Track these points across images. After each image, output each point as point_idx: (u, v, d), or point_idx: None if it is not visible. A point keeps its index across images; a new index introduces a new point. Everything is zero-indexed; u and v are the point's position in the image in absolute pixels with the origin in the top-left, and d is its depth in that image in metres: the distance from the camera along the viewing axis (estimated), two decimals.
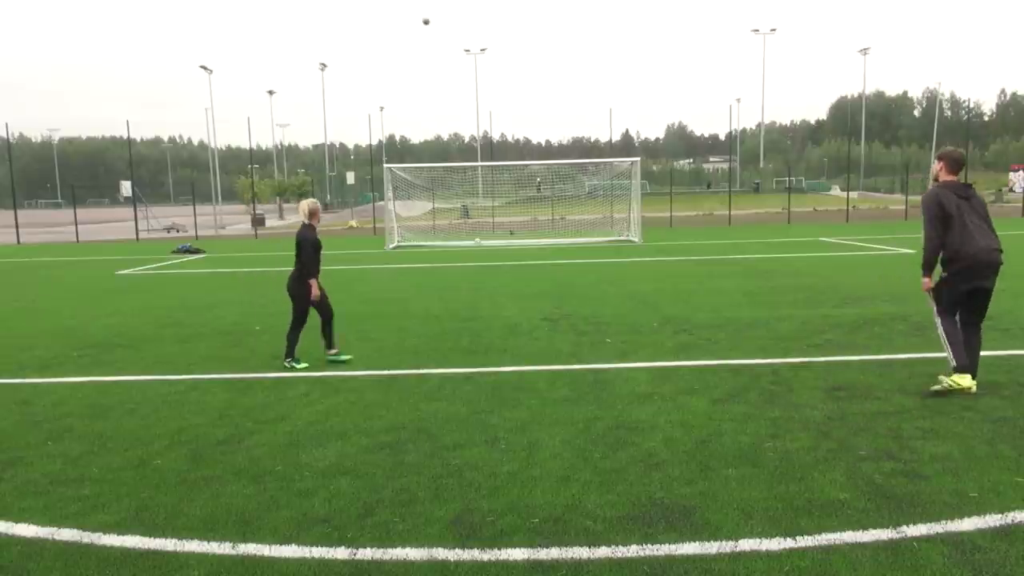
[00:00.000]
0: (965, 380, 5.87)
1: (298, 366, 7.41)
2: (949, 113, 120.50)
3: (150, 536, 3.82)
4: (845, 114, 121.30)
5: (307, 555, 3.57)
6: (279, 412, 5.97)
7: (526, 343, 8.47)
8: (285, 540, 3.73)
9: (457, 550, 3.58)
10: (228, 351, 8.46)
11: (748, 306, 10.69)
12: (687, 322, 9.49)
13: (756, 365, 7.09)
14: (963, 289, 5.91)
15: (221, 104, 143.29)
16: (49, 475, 4.71)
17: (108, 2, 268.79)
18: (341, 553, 3.59)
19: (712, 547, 3.53)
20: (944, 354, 6.04)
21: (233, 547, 3.68)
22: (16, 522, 4.04)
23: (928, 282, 6.11)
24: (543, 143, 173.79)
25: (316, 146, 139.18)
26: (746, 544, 3.55)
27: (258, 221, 43.04)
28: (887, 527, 3.68)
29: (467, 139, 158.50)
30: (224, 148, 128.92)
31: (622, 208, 31.72)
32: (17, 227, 36.41)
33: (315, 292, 7.39)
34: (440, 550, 3.59)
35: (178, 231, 42.72)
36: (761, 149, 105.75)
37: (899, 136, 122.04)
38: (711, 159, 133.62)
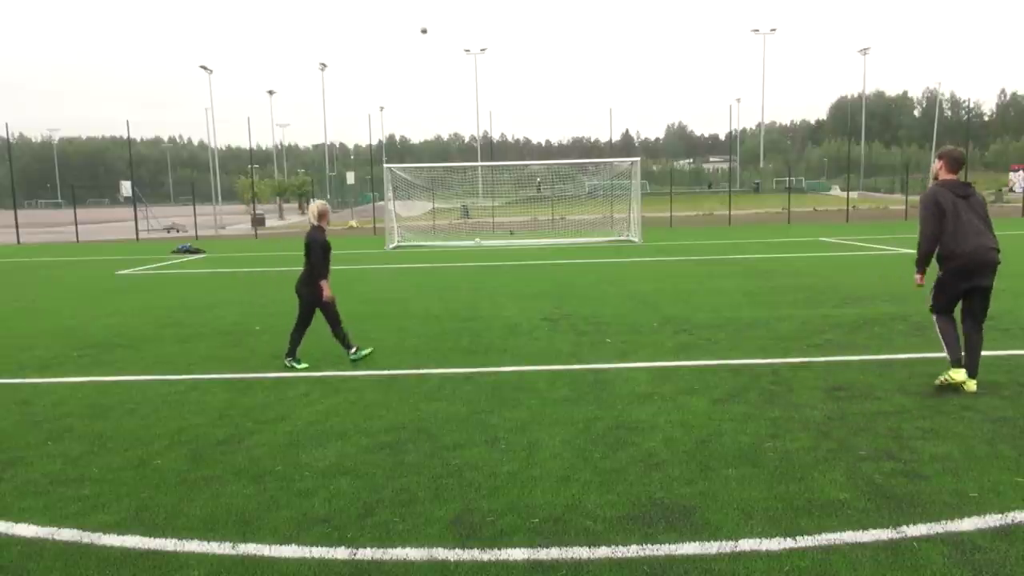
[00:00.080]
0: (959, 374, 5.95)
1: (298, 366, 7.42)
2: (949, 113, 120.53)
3: (150, 536, 3.82)
4: (845, 114, 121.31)
5: (307, 555, 3.57)
6: (279, 412, 5.97)
7: (526, 343, 8.47)
8: (285, 540, 3.73)
9: (457, 550, 3.58)
10: (228, 351, 8.46)
11: (748, 306, 10.69)
12: (687, 322, 9.49)
13: (756, 365, 7.09)
14: (960, 287, 5.97)
15: (221, 104, 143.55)
16: (49, 475, 4.71)
17: (108, 2, 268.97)
18: (341, 553, 3.59)
19: (712, 547, 3.53)
20: (944, 354, 6.09)
21: (233, 547, 3.68)
22: (16, 522, 4.04)
23: (920, 278, 6.23)
24: (543, 143, 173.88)
25: (316, 146, 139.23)
26: (746, 544, 3.55)
27: (258, 221, 43.05)
28: (887, 527, 3.68)
29: (467, 139, 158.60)
30: (224, 148, 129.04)
31: (622, 208, 31.72)
32: (17, 227, 36.42)
33: (327, 293, 7.37)
34: (440, 550, 3.59)
35: (178, 231, 42.73)
36: (761, 149, 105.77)
37: (899, 136, 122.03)
38: (711, 159, 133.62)
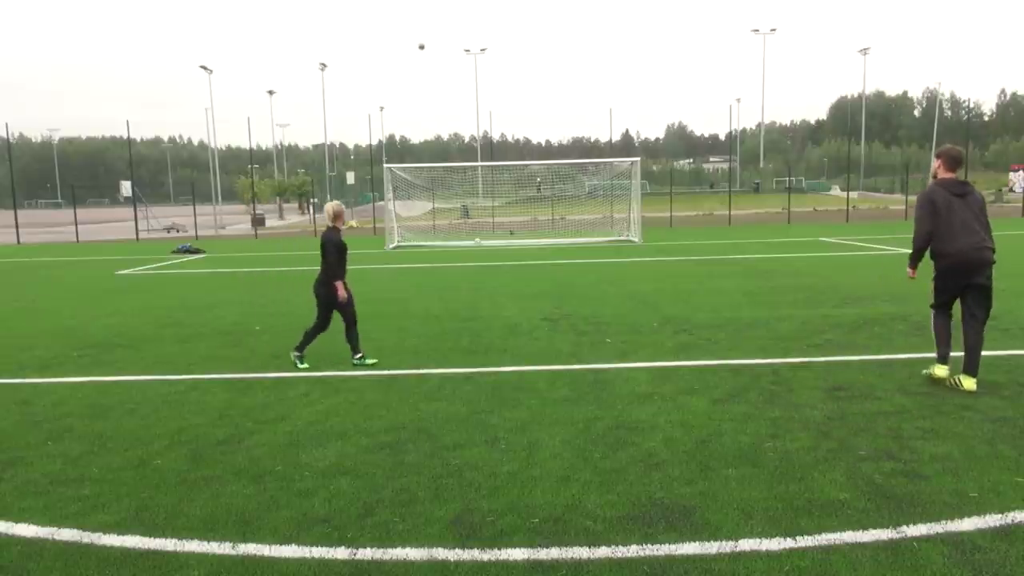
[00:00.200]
0: (941, 371, 6.21)
1: (300, 365, 7.41)
2: (949, 113, 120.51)
3: (150, 536, 3.82)
4: (845, 114, 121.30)
5: (307, 555, 3.57)
6: (279, 412, 5.97)
7: (526, 343, 8.47)
8: (285, 540, 3.73)
9: (457, 550, 3.58)
10: (228, 351, 8.46)
11: (748, 306, 10.68)
12: (687, 322, 9.49)
13: (756, 365, 7.09)
14: (953, 286, 6.05)
15: (221, 104, 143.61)
16: (49, 475, 4.71)
17: (108, 2, 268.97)
18: (341, 553, 3.59)
19: (712, 547, 3.53)
20: (955, 354, 6.16)
21: (233, 547, 3.68)
22: (16, 522, 4.04)
23: (912, 272, 6.43)
24: (543, 143, 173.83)
25: (316, 146, 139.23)
26: (746, 544, 3.55)
27: (258, 221, 43.05)
28: (887, 527, 3.68)
29: (467, 139, 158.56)
30: (224, 148, 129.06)
31: (622, 208, 31.72)
32: (17, 227, 36.42)
33: (342, 293, 7.36)
34: (440, 550, 3.59)
35: (178, 231, 42.73)
36: (761, 149, 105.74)
37: (899, 136, 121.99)
38: (711, 159, 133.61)
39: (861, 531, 3.65)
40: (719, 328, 9.01)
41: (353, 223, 46.95)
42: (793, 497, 4.07)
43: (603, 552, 3.52)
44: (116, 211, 73.06)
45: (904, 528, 3.67)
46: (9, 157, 45.47)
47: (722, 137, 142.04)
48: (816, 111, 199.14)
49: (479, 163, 49.87)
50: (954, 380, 6.04)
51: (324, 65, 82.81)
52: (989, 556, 3.39)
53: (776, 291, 12.15)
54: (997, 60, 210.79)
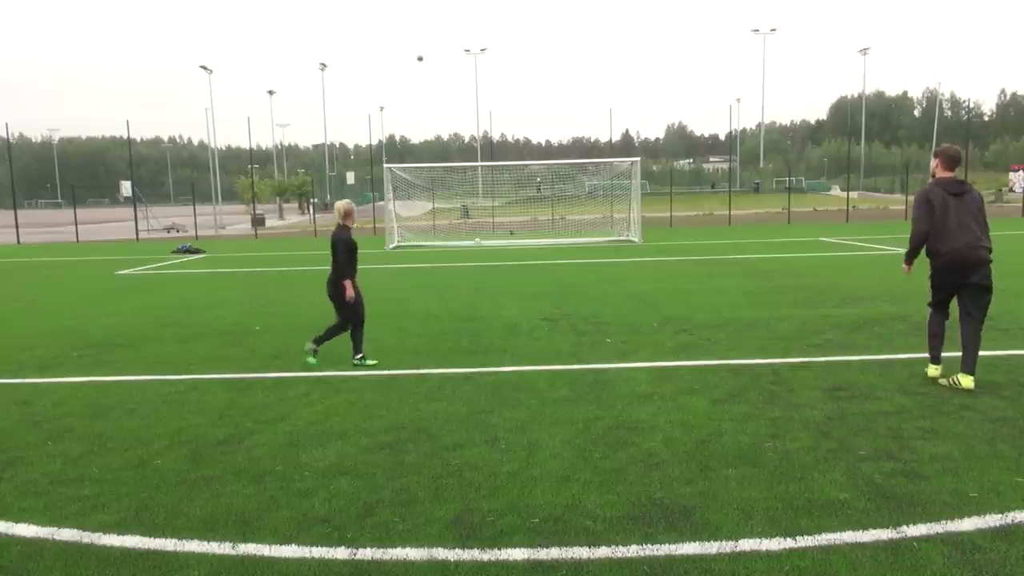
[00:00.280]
0: (934, 371, 6.32)
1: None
2: (949, 113, 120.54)
3: (150, 536, 3.82)
4: (845, 114, 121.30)
5: (307, 555, 3.57)
6: (279, 412, 5.97)
7: (526, 343, 8.47)
8: (285, 540, 3.73)
9: (457, 550, 3.58)
10: (228, 351, 8.46)
11: (748, 306, 10.69)
12: (687, 322, 9.49)
13: (756, 365, 7.09)
14: (951, 283, 6.09)
15: (221, 104, 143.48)
16: (49, 475, 4.71)
17: (108, 2, 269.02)
18: (341, 553, 3.59)
19: (712, 547, 3.53)
20: (954, 354, 6.19)
21: (233, 547, 3.68)
22: (16, 522, 4.04)
23: (907, 268, 6.51)
24: (543, 143, 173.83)
25: (316, 146, 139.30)
26: (746, 544, 3.55)
27: (258, 221, 43.05)
28: (887, 527, 3.68)
29: (467, 139, 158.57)
30: (224, 148, 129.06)
31: (622, 208, 31.72)
32: (17, 227, 36.42)
33: (350, 292, 7.35)
34: (440, 550, 3.59)
35: (178, 231, 42.73)
36: (761, 149, 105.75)
37: (899, 136, 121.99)
38: (711, 159, 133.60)
39: (861, 531, 3.65)
40: (719, 328, 9.01)
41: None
42: (793, 497, 4.07)
43: (603, 552, 3.52)
44: (116, 211, 73.06)
45: (904, 528, 3.67)
46: (9, 157, 45.47)
47: (722, 137, 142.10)
48: (816, 111, 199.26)
49: (479, 163, 49.88)
50: (952, 380, 6.05)
51: (324, 65, 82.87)
52: (989, 556, 3.39)
53: (776, 291, 12.15)
54: (997, 60, 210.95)
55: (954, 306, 6.20)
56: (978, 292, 5.98)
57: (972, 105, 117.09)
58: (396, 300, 12.35)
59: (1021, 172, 37.88)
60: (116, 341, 9.19)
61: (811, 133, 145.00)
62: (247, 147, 57.20)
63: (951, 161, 6.11)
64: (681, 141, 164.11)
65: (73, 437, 5.45)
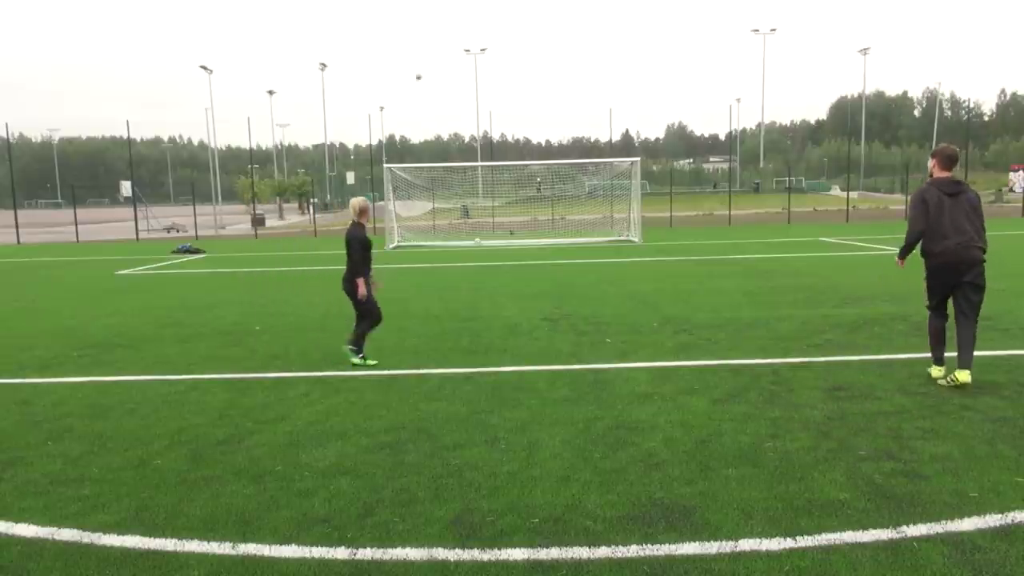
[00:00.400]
0: (937, 371, 6.33)
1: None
2: (949, 113, 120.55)
3: (150, 536, 3.82)
4: (845, 114, 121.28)
5: (307, 555, 3.57)
6: (279, 412, 5.97)
7: (526, 343, 8.47)
8: (285, 540, 3.73)
9: (457, 550, 3.58)
10: (228, 351, 8.46)
11: (748, 306, 10.69)
12: (687, 322, 9.49)
13: (756, 365, 7.09)
14: (946, 283, 6.14)
15: (221, 104, 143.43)
16: (49, 475, 4.71)
17: (108, 2, 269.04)
18: (341, 553, 3.59)
19: (712, 547, 3.53)
20: (951, 354, 6.21)
21: (233, 547, 3.68)
22: (16, 522, 4.04)
23: (901, 262, 6.62)
24: (543, 143, 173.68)
25: (316, 146, 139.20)
26: (746, 544, 3.55)
27: (258, 221, 43.06)
28: (887, 527, 3.68)
29: (467, 139, 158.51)
30: (224, 148, 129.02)
31: (622, 208, 31.72)
32: (17, 227, 36.42)
33: (362, 291, 7.34)
34: (440, 550, 3.59)
35: (178, 231, 42.73)
36: (761, 149, 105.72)
37: (899, 136, 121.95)
38: (711, 159, 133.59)
39: (861, 531, 3.65)
40: (719, 328, 9.01)
41: None
42: (793, 497, 4.07)
43: (603, 552, 3.52)
44: (116, 211, 73.05)
45: (904, 528, 3.67)
46: (9, 157, 45.48)
47: (722, 137, 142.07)
48: (816, 111, 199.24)
49: (479, 163, 49.88)
50: (950, 377, 6.11)
51: (324, 65, 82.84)
52: (989, 556, 3.39)
53: (776, 291, 12.15)
54: (997, 60, 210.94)
55: (950, 306, 6.24)
56: (971, 291, 6.04)
57: (972, 105, 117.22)
58: (396, 300, 12.34)
59: (1021, 172, 37.87)
60: (116, 341, 9.19)
61: (811, 133, 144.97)
62: (247, 147, 57.25)
63: (948, 161, 6.15)
64: (681, 141, 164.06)
65: (73, 437, 5.45)
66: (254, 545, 3.69)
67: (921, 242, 6.17)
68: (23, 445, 5.30)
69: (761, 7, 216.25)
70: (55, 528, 3.94)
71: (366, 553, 3.58)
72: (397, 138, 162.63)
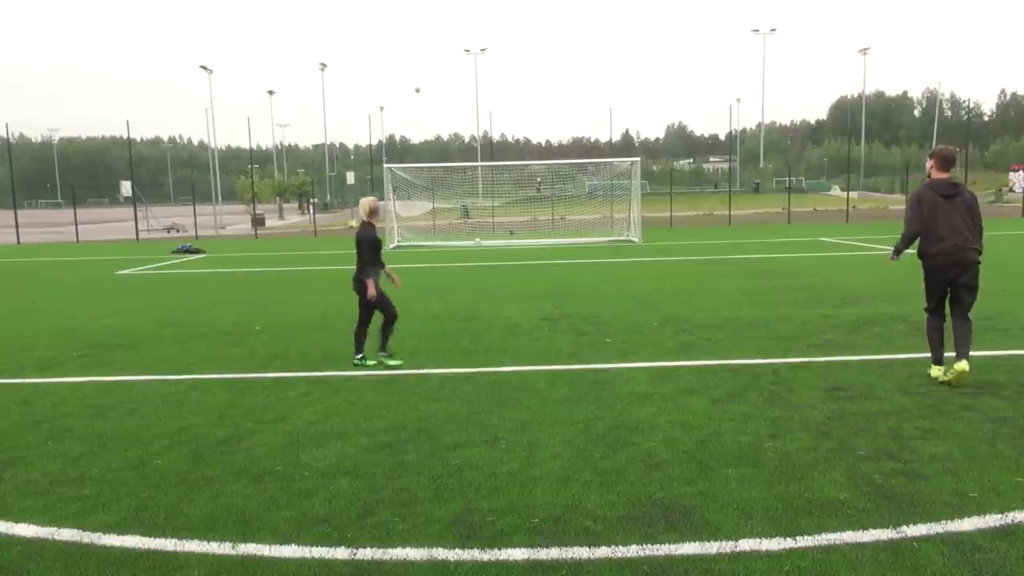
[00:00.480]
0: (936, 371, 6.33)
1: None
2: (949, 113, 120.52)
3: (150, 536, 3.82)
4: (845, 114, 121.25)
5: (307, 555, 3.57)
6: (279, 412, 5.97)
7: (526, 343, 8.47)
8: (285, 540, 3.73)
9: (457, 550, 3.58)
10: (228, 351, 8.46)
11: (748, 306, 10.68)
12: (687, 322, 9.49)
13: (756, 365, 7.09)
14: (942, 284, 6.20)
15: (221, 104, 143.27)
16: (49, 475, 4.71)
17: (108, 2, 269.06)
18: (341, 553, 3.59)
19: (712, 547, 3.53)
20: (951, 354, 6.23)
21: (233, 547, 3.68)
22: (16, 522, 4.04)
23: (894, 257, 6.67)
24: (543, 143, 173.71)
25: (316, 146, 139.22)
26: (746, 544, 3.55)
27: (258, 221, 43.05)
28: (887, 527, 3.68)
29: (467, 139, 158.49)
30: (224, 148, 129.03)
31: (622, 208, 31.72)
32: (17, 227, 36.41)
33: (371, 292, 7.32)
34: (440, 550, 3.59)
35: (178, 231, 42.72)
36: (761, 149, 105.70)
37: (899, 136, 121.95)
38: (711, 159, 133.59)
39: (861, 531, 3.65)
40: (719, 328, 9.01)
41: (353, 223, 46.96)
42: (793, 497, 4.07)
43: (603, 552, 3.52)
44: (116, 211, 73.04)
45: (904, 528, 3.67)
46: (9, 157, 45.49)
47: (722, 137, 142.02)
48: (816, 111, 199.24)
49: (479, 163, 49.89)
50: (948, 371, 6.16)
51: (324, 65, 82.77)
52: (989, 556, 3.39)
53: (776, 291, 12.15)
54: (997, 60, 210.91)
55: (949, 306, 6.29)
56: (964, 292, 6.12)
57: (972, 105, 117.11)
58: (396, 300, 12.28)
59: (1021, 172, 37.88)
60: (116, 341, 9.19)
61: (811, 133, 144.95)
62: (247, 147, 57.27)
63: (945, 162, 6.19)
64: (681, 141, 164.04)
65: (73, 437, 5.45)
66: (254, 545, 3.69)
67: (918, 244, 6.24)
68: (23, 445, 5.30)
69: (761, 7, 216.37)
70: (55, 528, 3.94)
71: (366, 553, 3.59)
72: (397, 138, 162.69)
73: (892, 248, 6.64)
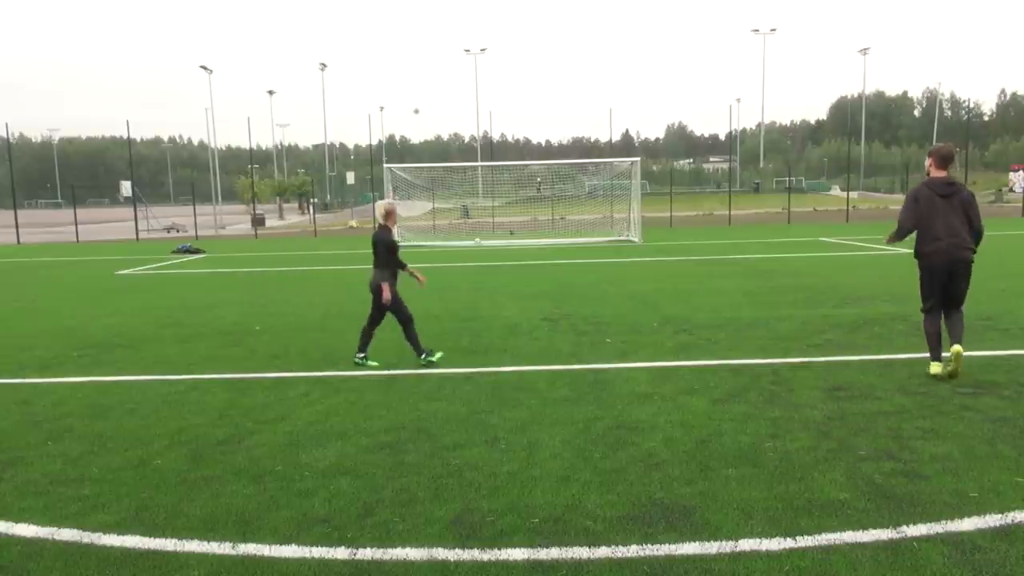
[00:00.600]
0: (935, 368, 6.36)
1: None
2: (949, 113, 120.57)
3: (150, 536, 3.82)
4: (845, 114, 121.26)
5: (307, 555, 3.57)
6: (279, 412, 5.97)
7: (526, 343, 8.47)
8: (285, 540, 3.73)
9: (457, 550, 3.58)
10: (228, 351, 8.46)
11: (748, 306, 10.68)
12: (687, 322, 9.49)
13: (756, 365, 7.09)
14: (938, 283, 6.23)
15: (221, 104, 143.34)
16: (49, 475, 4.71)
17: (108, 2, 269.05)
18: (341, 553, 3.59)
19: (712, 547, 3.53)
20: (947, 354, 6.26)
21: (233, 547, 3.68)
22: (16, 522, 4.04)
23: (888, 241, 6.67)
24: (543, 143, 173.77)
25: (316, 146, 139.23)
26: (746, 544, 3.55)
27: (258, 221, 43.06)
28: (887, 527, 3.68)
29: (467, 139, 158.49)
30: (224, 148, 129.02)
31: (622, 208, 31.73)
32: (17, 227, 36.41)
33: (386, 296, 7.32)
34: (440, 550, 3.59)
35: (178, 231, 42.72)
36: (761, 149, 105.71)
37: (899, 136, 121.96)
38: (711, 159, 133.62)
39: (861, 531, 3.65)
40: (719, 328, 9.01)
41: (353, 223, 47.00)
42: (793, 497, 4.07)
43: (603, 552, 3.52)
44: (116, 211, 73.04)
45: (904, 528, 3.67)
46: (9, 157, 45.49)
47: (722, 137, 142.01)
48: (816, 111, 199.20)
49: (479, 163, 49.92)
50: (948, 365, 6.21)
51: (324, 65, 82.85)
52: (989, 556, 3.39)
53: (776, 291, 12.15)
54: (997, 60, 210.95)
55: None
56: (958, 291, 6.19)
57: (972, 105, 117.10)
58: None
59: (1021, 172, 37.87)
60: (116, 341, 9.19)
61: (811, 133, 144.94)
62: (247, 147, 57.27)
63: (943, 160, 6.21)
64: (681, 141, 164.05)
65: (73, 437, 5.45)
66: (254, 545, 3.69)
67: (915, 243, 6.27)
68: (23, 445, 5.30)
69: (761, 7, 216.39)
70: (55, 528, 3.94)
71: (366, 553, 3.58)
72: (397, 138, 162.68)
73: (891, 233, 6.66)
